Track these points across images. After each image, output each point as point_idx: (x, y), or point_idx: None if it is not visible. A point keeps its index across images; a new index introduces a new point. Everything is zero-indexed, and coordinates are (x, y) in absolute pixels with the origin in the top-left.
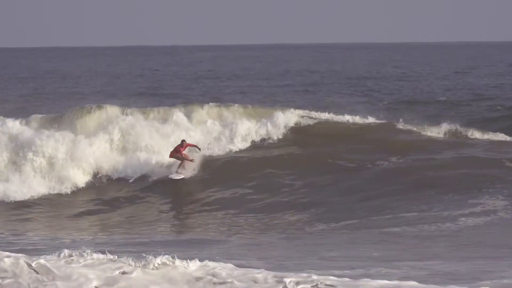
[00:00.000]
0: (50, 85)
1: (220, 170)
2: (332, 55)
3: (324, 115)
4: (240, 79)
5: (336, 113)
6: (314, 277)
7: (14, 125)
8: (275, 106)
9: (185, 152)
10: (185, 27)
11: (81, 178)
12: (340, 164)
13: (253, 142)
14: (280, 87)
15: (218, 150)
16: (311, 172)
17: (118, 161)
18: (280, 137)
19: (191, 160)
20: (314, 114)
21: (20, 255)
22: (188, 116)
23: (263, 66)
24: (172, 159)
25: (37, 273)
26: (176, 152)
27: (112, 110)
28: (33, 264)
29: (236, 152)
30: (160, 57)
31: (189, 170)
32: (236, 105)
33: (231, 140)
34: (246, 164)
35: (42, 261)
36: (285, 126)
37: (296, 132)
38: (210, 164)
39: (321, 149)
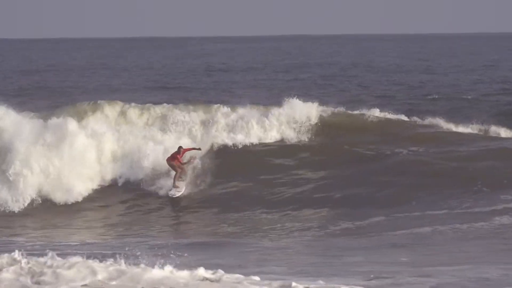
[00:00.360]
0: (51, 78)
1: (236, 165)
2: (348, 46)
3: (344, 109)
4: (255, 72)
5: (357, 107)
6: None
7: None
8: (292, 99)
9: (183, 157)
10: (196, 18)
11: (84, 183)
12: (363, 158)
13: (271, 136)
14: (300, 80)
15: (233, 144)
16: (333, 167)
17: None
18: (301, 131)
19: (191, 162)
20: (335, 108)
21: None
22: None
23: (278, 58)
24: (167, 166)
25: None
26: (173, 160)
27: (113, 108)
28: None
29: (253, 146)
30: (170, 49)
31: (187, 178)
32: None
33: (248, 133)
34: (264, 158)
35: None
36: (305, 120)
37: (317, 126)
38: (225, 159)
39: (343, 143)
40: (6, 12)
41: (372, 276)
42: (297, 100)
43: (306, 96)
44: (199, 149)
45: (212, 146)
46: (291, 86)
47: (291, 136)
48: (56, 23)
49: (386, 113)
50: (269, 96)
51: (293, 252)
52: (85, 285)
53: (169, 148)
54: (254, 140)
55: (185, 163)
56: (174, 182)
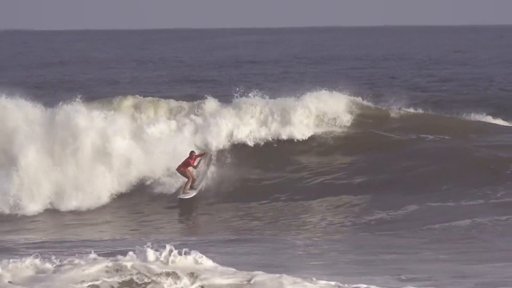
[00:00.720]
0: (79, 71)
1: (263, 156)
2: (380, 38)
3: (373, 102)
4: (284, 64)
5: (393, 100)
6: None
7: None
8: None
9: (195, 163)
10: (222, 9)
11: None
12: (395, 148)
13: (299, 128)
14: (329, 72)
15: (260, 136)
16: (361, 156)
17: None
18: (329, 123)
19: (205, 156)
20: (363, 99)
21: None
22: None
23: (309, 49)
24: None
25: None
26: (184, 167)
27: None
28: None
29: (285, 139)
30: (199, 41)
31: (198, 186)
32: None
33: (281, 126)
34: (291, 151)
35: None
36: (333, 111)
37: (345, 117)
38: (252, 151)
39: (371, 134)
40: (33, 3)
41: (404, 277)
42: (326, 91)
43: (336, 87)
44: (211, 154)
45: (237, 137)
46: (320, 78)
47: (320, 128)
48: (80, 14)
49: (416, 107)
50: (296, 87)
51: (327, 248)
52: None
53: (182, 152)
54: (281, 131)
55: (196, 166)
56: (184, 189)
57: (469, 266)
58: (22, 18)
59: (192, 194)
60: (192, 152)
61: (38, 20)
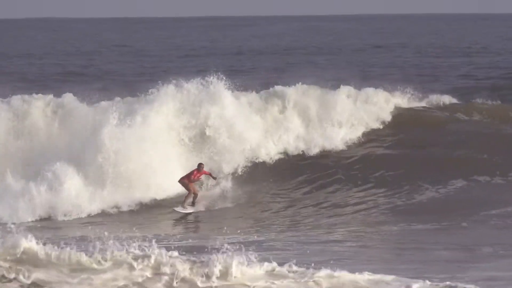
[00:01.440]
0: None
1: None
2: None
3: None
4: (329, 53)
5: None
6: None
7: None
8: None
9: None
10: None
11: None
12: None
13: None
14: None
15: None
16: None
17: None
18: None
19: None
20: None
21: None
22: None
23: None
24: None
25: None
26: (188, 179)
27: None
28: None
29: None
30: (236, 29)
31: (197, 204)
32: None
33: (336, 125)
34: (352, 152)
35: None
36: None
37: (388, 113)
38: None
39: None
40: None
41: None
42: (371, 89)
43: (383, 79)
44: (215, 178)
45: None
46: (368, 67)
47: (364, 121)
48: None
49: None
50: (337, 78)
51: (371, 244)
52: None
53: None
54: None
55: (194, 190)
56: (184, 203)
57: None
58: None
59: (189, 210)
60: (200, 165)
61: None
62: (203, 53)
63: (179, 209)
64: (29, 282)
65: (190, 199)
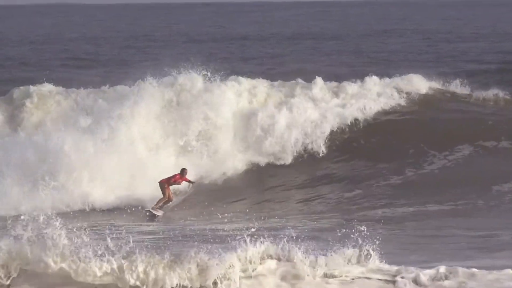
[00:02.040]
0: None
1: (338, 140)
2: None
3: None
4: (340, 40)
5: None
6: None
7: None
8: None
9: (179, 184)
10: None
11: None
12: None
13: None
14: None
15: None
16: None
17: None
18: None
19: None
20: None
21: None
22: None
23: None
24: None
25: None
26: (169, 181)
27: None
28: None
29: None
30: (246, 14)
31: (167, 209)
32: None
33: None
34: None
35: None
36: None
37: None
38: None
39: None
40: None
41: None
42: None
43: (406, 66)
44: (193, 183)
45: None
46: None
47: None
48: None
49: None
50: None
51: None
52: None
53: None
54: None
55: (169, 195)
56: (156, 204)
57: None
58: None
59: (159, 213)
60: (184, 170)
61: None
62: (208, 39)
63: (151, 210)
64: None
65: (163, 202)
